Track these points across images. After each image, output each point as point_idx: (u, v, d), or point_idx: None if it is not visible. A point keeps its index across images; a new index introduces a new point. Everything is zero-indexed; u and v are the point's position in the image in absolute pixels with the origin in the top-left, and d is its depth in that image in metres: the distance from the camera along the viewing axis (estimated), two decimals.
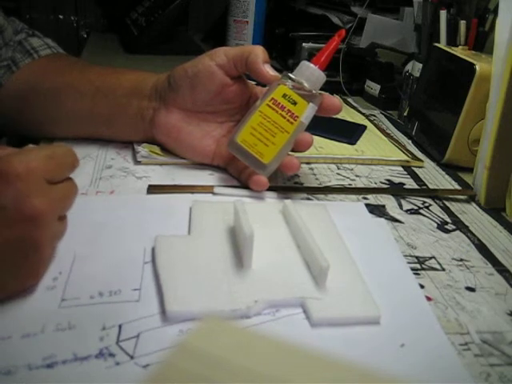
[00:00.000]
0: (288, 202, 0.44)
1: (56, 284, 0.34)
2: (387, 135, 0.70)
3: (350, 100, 0.87)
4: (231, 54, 0.49)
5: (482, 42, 0.69)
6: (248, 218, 0.37)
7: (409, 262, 0.41)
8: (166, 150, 0.54)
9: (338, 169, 0.59)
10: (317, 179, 0.56)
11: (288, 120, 0.47)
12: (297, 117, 0.47)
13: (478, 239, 0.47)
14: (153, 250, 0.39)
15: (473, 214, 0.52)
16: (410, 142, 0.71)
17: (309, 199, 0.51)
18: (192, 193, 0.49)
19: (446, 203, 0.53)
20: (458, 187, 0.58)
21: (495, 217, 0.51)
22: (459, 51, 0.65)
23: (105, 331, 0.31)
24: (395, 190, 0.55)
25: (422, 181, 0.59)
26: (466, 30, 0.69)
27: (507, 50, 0.49)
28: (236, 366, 0.18)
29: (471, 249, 0.45)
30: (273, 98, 0.48)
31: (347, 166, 0.60)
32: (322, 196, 0.52)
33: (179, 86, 0.50)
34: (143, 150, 0.54)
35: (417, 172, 0.61)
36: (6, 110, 0.57)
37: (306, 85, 0.48)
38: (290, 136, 0.48)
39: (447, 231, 0.48)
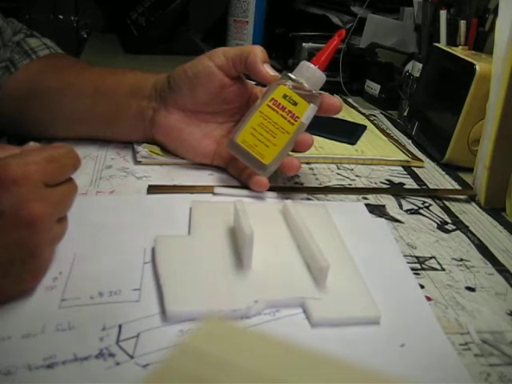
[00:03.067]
0: (288, 202, 0.44)
1: (56, 284, 0.34)
2: (387, 135, 0.70)
3: (350, 100, 0.87)
4: (230, 55, 0.49)
5: (481, 42, 0.69)
6: (248, 218, 0.37)
7: (409, 262, 0.41)
8: (165, 150, 0.54)
9: (338, 169, 0.59)
10: (317, 179, 0.56)
11: (289, 121, 0.47)
12: (297, 117, 0.47)
13: (478, 239, 0.47)
14: (153, 250, 0.39)
15: (473, 214, 0.52)
16: (410, 141, 0.71)
17: (309, 199, 0.51)
18: (192, 193, 0.49)
19: (446, 203, 0.53)
20: (458, 187, 0.58)
21: (495, 217, 0.51)
22: (459, 51, 0.65)
23: (105, 331, 0.31)
24: (395, 189, 0.55)
25: (422, 181, 0.59)
26: (466, 30, 0.69)
27: (507, 49, 0.49)
28: (236, 366, 0.18)
29: (471, 249, 0.45)
30: (273, 99, 0.48)
31: (347, 165, 0.60)
32: (322, 196, 0.52)
33: (179, 86, 0.50)
34: (143, 150, 0.54)
35: (417, 172, 0.61)
36: (5, 111, 0.57)
37: (306, 85, 0.48)
38: (290, 137, 0.48)
39: (447, 231, 0.48)
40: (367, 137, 0.68)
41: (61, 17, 1.32)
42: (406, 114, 0.76)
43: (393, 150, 0.65)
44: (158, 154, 0.54)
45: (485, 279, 0.41)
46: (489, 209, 0.53)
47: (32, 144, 0.34)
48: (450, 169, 0.62)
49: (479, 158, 0.55)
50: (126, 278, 0.36)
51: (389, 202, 0.52)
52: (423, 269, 0.41)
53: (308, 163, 0.59)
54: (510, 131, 0.51)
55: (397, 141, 0.69)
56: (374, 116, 0.81)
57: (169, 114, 0.52)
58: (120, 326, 0.31)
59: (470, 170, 0.58)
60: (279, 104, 0.47)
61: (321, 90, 0.49)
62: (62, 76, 0.56)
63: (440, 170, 0.62)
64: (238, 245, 0.39)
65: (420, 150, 0.68)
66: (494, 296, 0.39)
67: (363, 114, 0.80)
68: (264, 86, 0.51)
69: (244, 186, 0.50)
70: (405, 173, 0.60)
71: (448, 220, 0.50)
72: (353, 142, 0.65)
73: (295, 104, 0.47)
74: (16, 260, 0.31)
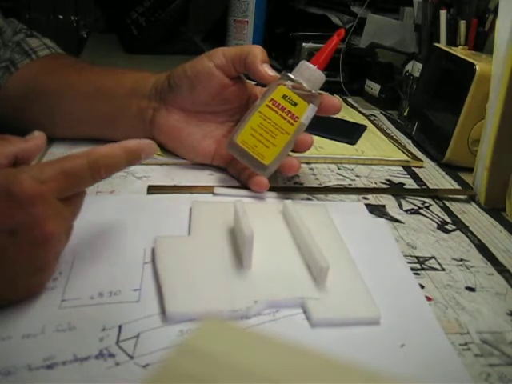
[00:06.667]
0: (288, 202, 0.44)
1: (56, 284, 0.34)
2: (387, 135, 0.70)
3: (350, 100, 0.87)
4: (230, 55, 0.49)
5: (482, 42, 0.69)
6: (248, 219, 0.37)
7: (409, 262, 0.41)
8: (166, 150, 0.54)
9: (338, 169, 0.59)
10: (317, 179, 0.56)
11: (288, 121, 0.47)
12: (297, 118, 0.47)
13: (478, 239, 0.47)
14: (153, 250, 0.39)
15: (473, 214, 0.52)
16: (410, 141, 0.71)
17: (309, 199, 0.51)
18: (192, 193, 0.49)
19: (446, 203, 0.53)
20: (458, 187, 0.58)
21: (495, 217, 0.51)
22: (459, 51, 0.65)
23: (105, 332, 0.31)
24: (395, 189, 0.55)
25: (422, 181, 0.59)
26: (466, 30, 0.69)
27: (507, 50, 0.49)
28: (236, 367, 0.18)
29: (471, 249, 0.45)
30: (272, 99, 0.48)
31: (347, 165, 0.60)
32: (322, 196, 0.52)
33: (179, 86, 0.50)
34: None
35: (417, 172, 0.61)
36: (5, 111, 0.57)
37: (305, 85, 0.48)
38: (290, 137, 0.47)
39: (447, 231, 0.48)
40: (367, 137, 0.68)
41: (61, 17, 1.32)
42: (406, 113, 0.76)
43: (393, 149, 0.65)
44: (157, 154, 0.54)
45: (485, 279, 0.41)
46: (489, 209, 0.53)
47: (37, 134, 0.34)
48: (450, 169, 0.62)
49: (479, 157, 0.55)
50: (125, 278, 0.36)
51: (389, 201, 0.52)
52: (423, 269, 0.41)
53: (308, 163, 0.59)
54: (510, 131, 0.51)
55: (397, 141, 0.69)
56: (374, 116, 0.81)
57: (169, 113, 0.52)
58: (120, 327, 0.31)
59: (470, 169, 0.58)
60: (278, 104, 0.47)
61: (321, 89, 0.49)
62: (62, 76, 0.56)
63: (440, 169, 0.62)
64: (238, 245, 0.39)
65: (420, 150, 0.68)
66: (494, 296, 0.39)
67: (363, 114, 0.80)
68: (264, 86, 0.51)
69: (244, 186, 0.50)
70: (405, 173, 0.60)
71: (448, 220, 0.50)
72: (353, 142, 0.65)
73: (295, 104, 0.47)
74: (27, 273, 0.31)
